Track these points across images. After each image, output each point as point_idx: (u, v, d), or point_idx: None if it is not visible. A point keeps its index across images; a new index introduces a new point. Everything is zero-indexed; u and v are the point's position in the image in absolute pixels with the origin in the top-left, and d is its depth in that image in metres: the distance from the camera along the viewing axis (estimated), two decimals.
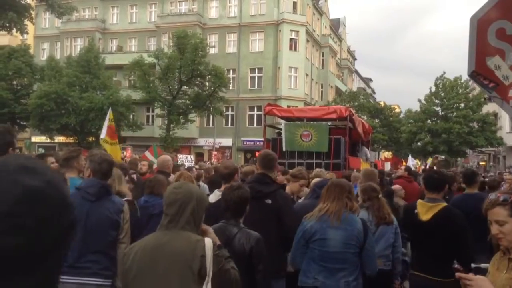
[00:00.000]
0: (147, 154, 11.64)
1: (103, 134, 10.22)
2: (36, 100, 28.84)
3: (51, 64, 32.66)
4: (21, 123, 33.84)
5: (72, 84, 30.01)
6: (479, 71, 3.36)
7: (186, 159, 16.33)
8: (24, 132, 35.24)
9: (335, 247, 3.72)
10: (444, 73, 38.53)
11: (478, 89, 31.41)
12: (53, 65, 32.41)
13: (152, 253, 2.46)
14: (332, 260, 3.73)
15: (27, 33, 21.88)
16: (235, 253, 2.97)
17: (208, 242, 2.48)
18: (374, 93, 74.42)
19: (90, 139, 30.86)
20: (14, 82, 33.49)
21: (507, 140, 35.48)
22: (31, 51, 36.63)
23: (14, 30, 19.85)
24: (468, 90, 37.65)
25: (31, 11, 20.35)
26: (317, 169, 6.98)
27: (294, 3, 39.12)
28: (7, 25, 18.75)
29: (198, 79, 30.90)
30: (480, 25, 3.36)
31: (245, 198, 3.40)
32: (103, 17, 43.04)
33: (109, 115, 10.29)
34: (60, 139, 33.30)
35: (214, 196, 4.61)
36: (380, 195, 4.84)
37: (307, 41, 40.58)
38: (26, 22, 19.97)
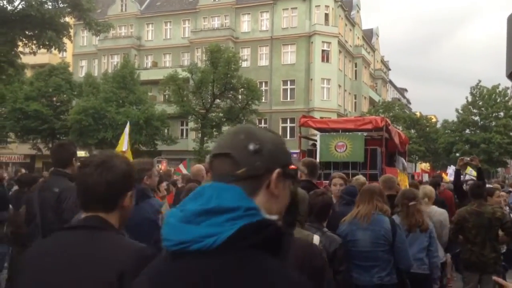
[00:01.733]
0: (181, 167, 11.80)
1: (125, 147, 10.66)
2: (75, 115, 29.71)
3: (88, 80, 33.66)
4: (61, 138, 34.90)
5: (109, 99, 30.78)
6: None
7: None
8: None
9: (365, 246, 4.07)
10: (480, 81, 37.48)
11: None
12: (91, 82, 33.39)
13: None
14: (364, 258, 4.07)
15: (65, 51, 22.57)
16: None
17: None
18: (410, 103, 73.08)
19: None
20: (54, 99, 34.61)
21: None
22: (70, 68, 37.87)
23: (53, 49, 20.50)
24: (507, 98, 36.47)
25: (70, 30, 21.01)
26: (356, 176, 6.93)
27: (326, 15, 39.05)
28: (47, 43, 19.38)
29: (231, 92, 31.15)
30: None
31: (328, 203, 3.76)
32: (138, 34, 44.14)
33: (128, 128, 10.80)
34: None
35: None
36: (413, 202, 4.83)
37: (340, 52, 40.35)
38: (65, 40, 20.60)
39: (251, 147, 1.12)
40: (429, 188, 6.38)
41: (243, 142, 1.13)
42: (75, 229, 1.71)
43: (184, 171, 11.00)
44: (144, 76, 36.87)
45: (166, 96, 35.76)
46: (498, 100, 36.07)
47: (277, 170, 1.14)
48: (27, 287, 1.61)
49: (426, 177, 20.77)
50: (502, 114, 35.69)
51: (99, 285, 1.52)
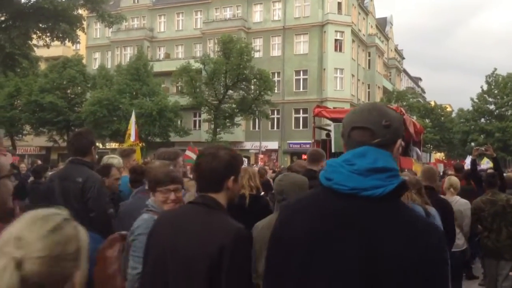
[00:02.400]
0: (189, 153, 11.41)
1: (133, 137, 10.68)
2: (89, 107, 29.97)
3: (102, 72, 33.88)
4: (76, 130, 35.25)
5: (122, 91, 30.96)
6: None
7: None
8: None
9: None
10: (495, 69, 36.83)
11: None
12: (104, 74, 33.61)
13: None
14: None
15: (79, 43, 22.78)
16: None
17: None
18: (424, 92, 72.25)
19: (141, 145, 31.63)
20: (68, 91, 34.93)
21: None
22: (84, 60, 38.14)
23: (67, 41, 20.65)
24: None
25: (83, 22, 21.12)
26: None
27: (339, 4, 38.65)
28: (61, 35, 19.53)
29: (244, 83, 31.11)
30: None
31: None
32: (151, 26, 44.23)
33: (134, 117, 10.76)
34: (112, 145, 34.46)
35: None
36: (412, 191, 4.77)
37: (353, 41, 39.96)
38: (79, 32, 20.74)
39: (384, 122, 1.51)
40: (454, 179, 6.54)
41: (377, 119, 1.52)
42: (195, 204, 2.19)
43: (193, 156, 10.80)
44: (157, 67, 36.97)
45: (179, 87, 35.86)
46: None
47: (399, 141, 1.56)
48: (154, 247, 2.13)
49: (441, 167, 20.54)
50: None
51: (203, 255, 1.93)
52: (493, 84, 36.50)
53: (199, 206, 2.14)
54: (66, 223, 1.10)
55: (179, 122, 34.59)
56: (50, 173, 7.55)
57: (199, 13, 42.94)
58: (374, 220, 1.40)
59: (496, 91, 36.21)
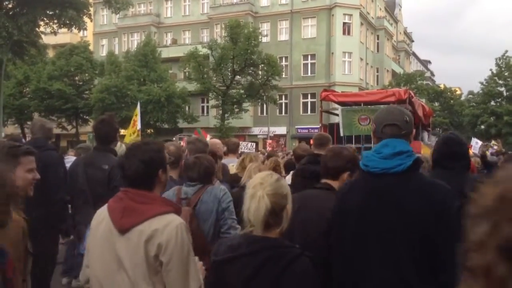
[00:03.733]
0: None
1: (139, 126, 11.49)
2: (97, 94, 30.07)
3: (110, 59, 33.91)
4: (84, 117, 35.43)
5: (130, 78, 31.00)
6: None
7: (247, 147, 16.24)
8: (87, 126, 37.04)
9: None
10: (507, 51, 36.27)
11: None
12: (113, 60, 33.63)
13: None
14: None
15: (86, 29, 22.75)
16: None
17: None
18: (434, 75, 71.53)
19: (149, 131, 31.81)
20: (76, 78, 35.05)
21: None
22: (91, 47, 38.15)
23: (74, 28, 20.64)
24: None
25: (90, 8, 21.08)
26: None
27: None
28: (68, 22, 19.52)
29: (251, 68, 30.99)
30: None
31: None
32: (157, 11, 44.02)
33: (139, 107, 11.68)
34: (121, 131, 34.60)
35: (290, 177, 4.92)
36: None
37: (361, 24, 39.51)
38: (85, 19, 20.71)
39: (406, 119, 2.23)
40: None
41: (400, 117, 2.23)
42: (318, 189, 2.84)
43: None
44: (164, 53, 36.88)
45: (186, 73, 35.81)
46: None
47: (414, 131, 2.34)
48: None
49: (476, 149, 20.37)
50: None
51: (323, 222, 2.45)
52: (504, 66, 36.01)
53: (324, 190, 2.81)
54: (280, 178, 2.06)
55: (187, 108, 34.62)
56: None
57: None
58: (400, 189, 2.07)
59: (506, 73, 35.75)
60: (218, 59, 29.90)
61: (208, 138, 8.81)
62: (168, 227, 2.05)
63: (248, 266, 1.88)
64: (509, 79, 35.55)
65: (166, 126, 32.86)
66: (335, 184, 2.77)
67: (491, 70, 36.88)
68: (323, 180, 2.83)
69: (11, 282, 1.76)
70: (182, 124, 33.44)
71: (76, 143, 23.50)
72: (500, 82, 36.21)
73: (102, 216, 2.22)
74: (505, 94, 35.94)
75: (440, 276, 1.92)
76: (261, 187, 1.93)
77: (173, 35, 43.51)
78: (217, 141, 6.17)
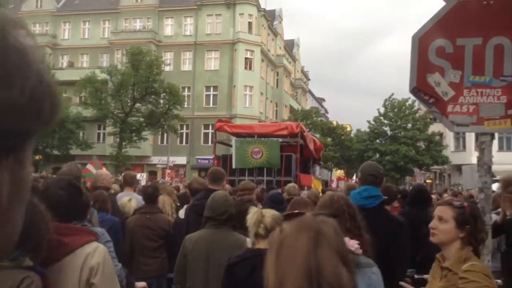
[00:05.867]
0: (89, 167, 11.05)
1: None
2: None
3: None
4: None
5: None
6: (420, 87, 3.50)
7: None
8: None
9: None
10: (393, 94, 39.87)
11: (424, 109, 32.67)
12: None
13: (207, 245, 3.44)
14: None
15: None
16: None
17: (248, 240, 3.35)
18: (327, 112, 76.03)
19: (37, 157, 29.69)
20: None
21: (452, 159, 37.01)
22: None
23: None
24: (414, 110, 39.10)
25: None
26: (290, 184, 7.13)
27: (250, 23, 39.67)
28: None
29: (153, 96, 30.56)
30: (421, 44, 3.51)
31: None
32: (54, 32, 41.97)
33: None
34: None
35: (184, 211, 4.94)
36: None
37: (262, 60, 41.13)
38: None
39: (380, 171, 3.81)
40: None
41: (378, 170, 3.79)
42: None
43: (94, 171, 10.42)
44: (59, 76, 35.01)
45: (83, 98, 34.27)
46: (407, 112, 38.60)
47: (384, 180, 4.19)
48: None
49: (342, 184, 21.71)
50: (410, 125, 38.21)
51: None
52: (389, 107, 39.40)
53: None
54: None
55: (81, 134, 32.97)
56: None
57: (107, 22, 41.65)
58: (374, 219, 2.81)
59: (391, 114, 39.10)
60: (117, 85, 29.09)
61: (103, 169, 8.46)
62: (97, 251, 2.21)
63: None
64: (393, 120, 38.89)
65: (57, 152, 30.92)
66: None
67: (378, 110, 40.13)
68: None
69: None
70: (75, 150, 31.69)
71: None
72: (386, 121, 39.46)
73: None
74: (389, 133, 39.20)
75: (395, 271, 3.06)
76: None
77: (70, 58, 41.66)
78: (105, 172, 5.95)
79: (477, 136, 3.42)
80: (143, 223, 5.03)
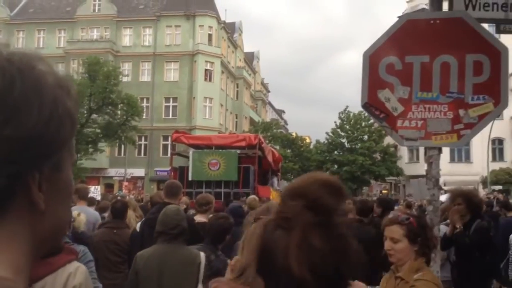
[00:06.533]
0: None
1: None
2: None
3: None
4: None
5: None
6: (371, 102, 3.60)
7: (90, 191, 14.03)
8: None
9: None
10: (347, 107, 40.89)
11: None
12: None
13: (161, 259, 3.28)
14: None
15: None
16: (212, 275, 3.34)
17: (202, 254, 3.28)
18: (287, 124, 76.86)
19: None
20: None
21: (406, 170, 38.17)
22: None
23: None
24: (370, 122, 40.20)
25: None
26: (251, 197, 7.14)
27: (210, 35, 39.72)
28: None
29: (110, 107, 29.96)
30: (371, 60, 3.62)
31: (226, 228, 3.81)
32: (7, 41, 40.37)
33: None
34: None
35: (141, 224, 4.93)
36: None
37: (222, 72, 41.21)
38: None
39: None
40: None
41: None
42: None
43: None
44: None
45: None
46: (363, 124, 39.62)
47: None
48: None
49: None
50: (366, 137, 39.21)
51: None
52: (345, 120, 40.35)
53: None
54: None
55: None
56: None
57: (63, 31, 40.68)
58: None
59: (347, 127, 40.04)
60: None
61: None
62: (78, 271, 2.23)
63: None
64: (349, 132, 39.79)
65: None
66: None
67: (335, 122, 41.00)
68: None
69: None
70: None
71: None
72: (342, 133, 40.34)
73: None
74: (346, 145, 40.06)
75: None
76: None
77: None
78: None
79: (426, 150, 3.53)
80: (110, 238, 5.07)
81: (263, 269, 0.93)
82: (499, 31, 3.91)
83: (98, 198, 11.55)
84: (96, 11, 40.17)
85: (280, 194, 0.59)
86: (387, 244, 2.51)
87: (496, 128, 27.52)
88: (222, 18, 42.06)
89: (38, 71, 0.63)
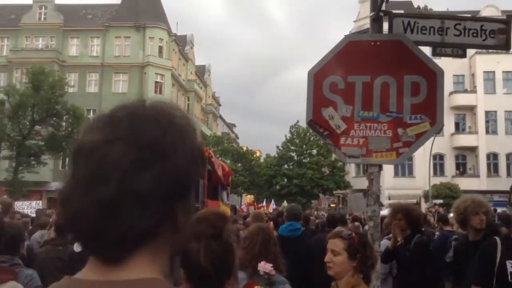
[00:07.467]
0: None
1: None
2: None
3: None
4: None
5: None
6: (316, 120, 3.69)
7: (30, 206, 12.11)
8: None
9: None
10: (298, 121, 41.55)
11: None
12: None
13: None
14: None
15: None
16: None
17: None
18: (238, 138, 77.04)
19: None
20: None
21: (354, 184, 39.11)
22: None
23: None
24: (317, 137, 41.01)
25: None
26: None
27: (160, 47, 39.37)
28: None
29: (54, 118, 28.93)
30: (316, 79, 3.71)
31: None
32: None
33: None
34: None
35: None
36: None
37: (173, 85, 40.86)
38: None
39: (299, 212, 6.41)
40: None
41: (299, 210, 6.41)
42: None
43: None
44: None
45: None
46: (312, 139, 40.38)
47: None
48: None
49: (251, 210, 21.94)
50: (315, 151, 39.95)
51: None
52: (295, 134, 40.98)
53: None
54: None
55: None
56: None
57: (6, 39, 39.04)
58: (297, 245, 4.86)
59: (297, 141, 40.66)
60: (15, 106, 27.16)
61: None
62: None
63: None
64: (299, 146, 40.42)
65: None
66: None
67: (285, 136, 41.54)
68: None
69: None
70: None
71: None
72: (292, 147, 40.91)
73: None
74: (296, 158, 40.63)
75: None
76: None
77: None
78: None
79: (367, 167, 3.65)
80: (55, 255, 4.87)
81: (184, 265, 1.57)
82: (435, 53, 4.11)
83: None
84: (42, 19, 38.88)
85: (190, 222, 0.80)
86: (327, 256, 2.58)
87: (437, 144, 28.84)
88: (174, 31, 41.82)
89: (179, 120, 0.76)
